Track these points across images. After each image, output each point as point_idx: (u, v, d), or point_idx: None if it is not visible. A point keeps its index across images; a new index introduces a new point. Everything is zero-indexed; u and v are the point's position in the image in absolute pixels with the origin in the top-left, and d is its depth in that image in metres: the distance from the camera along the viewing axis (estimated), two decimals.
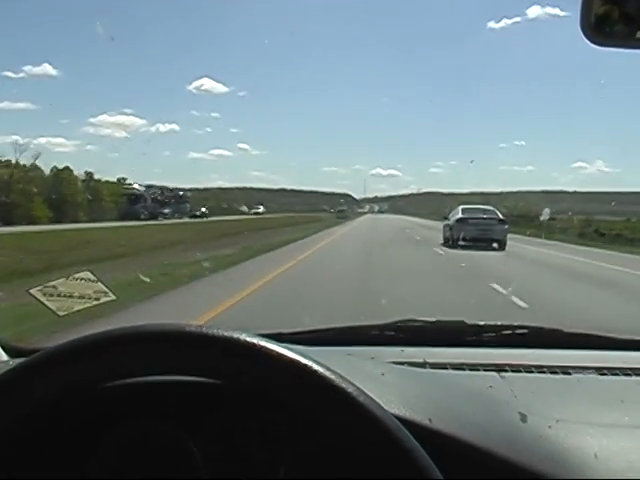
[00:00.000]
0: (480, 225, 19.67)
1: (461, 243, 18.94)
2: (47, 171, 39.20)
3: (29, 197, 32.79)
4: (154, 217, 37.86)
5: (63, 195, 36.62)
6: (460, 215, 20.57)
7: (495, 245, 18.86)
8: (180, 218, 40.68)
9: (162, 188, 45.75)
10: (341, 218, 58.47)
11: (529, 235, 24.27)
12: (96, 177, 44.12)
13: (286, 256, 15.22)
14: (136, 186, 42.40)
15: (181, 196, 48.42)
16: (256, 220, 41.03)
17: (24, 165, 35.10)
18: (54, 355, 0.80)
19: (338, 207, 70.76)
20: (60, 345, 0.80)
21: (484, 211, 21.36)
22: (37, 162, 36.41)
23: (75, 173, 41.17)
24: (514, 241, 21.02)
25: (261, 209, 58.56)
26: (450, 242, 20.09)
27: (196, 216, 42.00)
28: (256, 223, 34.93)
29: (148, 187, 42.97)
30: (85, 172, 43.11)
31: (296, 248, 18.53)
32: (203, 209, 45.59)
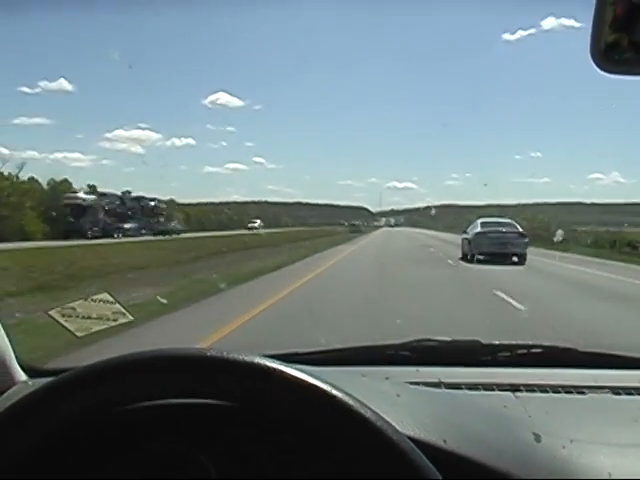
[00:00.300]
0: (500, 239, 18.99)
1: (480, 257, 18.51)
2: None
3: (21, 211, 29.06)
4: (108, 234, 30.27)
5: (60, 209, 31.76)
6: (479, 229, 19.93)
7: (515, 259, 18.57)
8: (151, 235, 32.69)
9: (124, 197, 37.09)
10: (355, 232, 55.57)
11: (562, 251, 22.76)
12: (101, 190, 38.42)
13: (246, 301, 9.67)
14: (81, 194, 33.69)
15: (153, 208, 38.93)
16: (247, 237, 33.71)
17: (16, 177, 31.58)
18: (77, 378, 0.82)
19: (352, 221, 68.89)
20: (82, 368, 0.82)
21: (503, 224, 20.80)
22: (35, 175, 33.30)
23: (75, 186, 36.27)
24: (548, 258, 20.52)
25: (257, 223, 52.25)
26: (469, 257, 19.42)
27: (163, 233, 33.42)
28: (244, 241, 28.78)
29: (102, 195, 34.59)
30: (88, 185, 37.53)
31: (277, 280, 13.24)
32: (174, 223, 37.89)
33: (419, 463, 0.75)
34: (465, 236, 21.21)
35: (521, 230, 20.34)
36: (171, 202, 45.02)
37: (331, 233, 48.52)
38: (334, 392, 0.77)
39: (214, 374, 0.80)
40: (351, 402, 0.77)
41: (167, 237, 32.08)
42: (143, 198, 39.27)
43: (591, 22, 0.84)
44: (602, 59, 0.86)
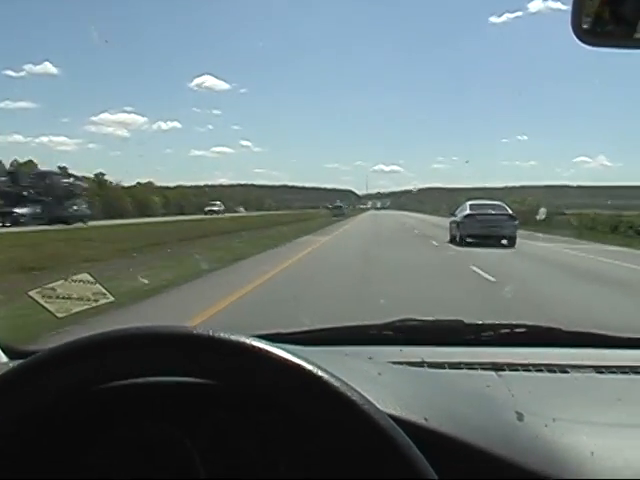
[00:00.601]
0: (489, 221, 18.71)
1: (469, 240, 18.35)
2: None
3: None
4: None
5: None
6: (468, 211, 19.58)
7: (504, 242, 18.31)
8: (52, 223, 24.66)
9: (17, 172, 28.87)
10: (338, 216, 50.18)
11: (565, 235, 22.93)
12: (74, 172, 34.92)
13: None
14: None
15: (66, 187, 30.00)
16: (194, 224, 27.68)
17: None
18: (52, 357, 0.81)
19: (335, 203, 62.12)
20: (57, 347, 0.81)
21: (493, 206, 20.45)
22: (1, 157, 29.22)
23: (42, 168, 31.67)
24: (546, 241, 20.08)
25: (217, 207, 46.29)
26: (458, 240, 19.20)
27: (62, 220, 26.03)
28: (184, 229, 23.19)
29: None
30: (59, 167, 34.97)
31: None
32: (75, 207, 29.25)
33: (398, 440, 0.75)
34: (454, 219, 20.83)
35: (511, 212, 20.05)
36: (149, 184, 44.11)
37: (312, 217, 44.70)
38: (319, 372, 0.77)
39: (198, 352, 0.79)
40: (336, 383, 0.77)
41: (68, 226, 25.07)
42: (52, 174, 30.42)
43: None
44: (584, 33, 0.86)
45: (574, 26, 0.85)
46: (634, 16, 0.83)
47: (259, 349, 0.77)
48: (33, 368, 0.80)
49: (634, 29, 0.84)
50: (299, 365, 0.77)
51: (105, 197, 38.60)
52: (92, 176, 38.62)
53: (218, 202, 48.16)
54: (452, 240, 19.94)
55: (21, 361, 0.84)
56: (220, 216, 41.09)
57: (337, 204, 60.91)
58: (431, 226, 31.36)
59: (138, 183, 42.13)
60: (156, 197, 43.79)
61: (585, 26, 0.85)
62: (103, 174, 41.90)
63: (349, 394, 0.76)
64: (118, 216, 33.31)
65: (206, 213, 43.01)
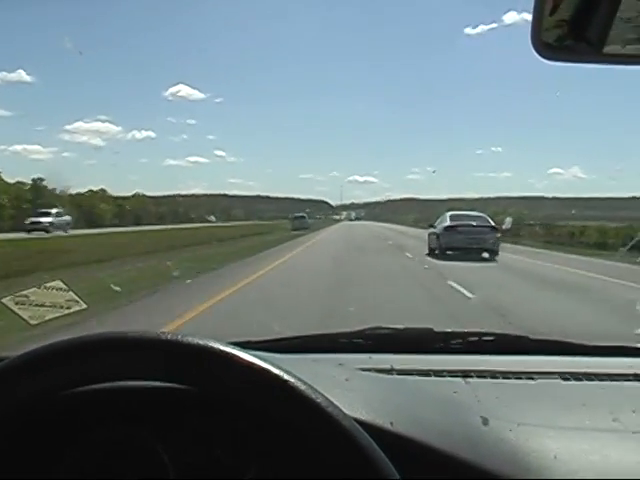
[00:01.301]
0: (470, 233, 17.66)
1: (449, 253, 17.30)
2: None
3: None
4: None
5: None
6: (448, 222, 18.44)
7: (486, 255, 16.97)
8: None
9: None
10: (299, 229, 36.61)
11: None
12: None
13: None
14: None
15: None
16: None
17: None
18: (20, 364, 0.81)
19: (295, 213, 46.71)
20: (26, 353, 0.82)
21: (474, 217, 19.33)
22: None
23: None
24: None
25: (51, 217, 30.28)
26: (437, 252, 18.00)
27: None
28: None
29: None
30: (33, 179, 33.04)
31: None
32: None
33: (361, 441, 0.76)
34: (433, 230, 19.60)
35: (492, 224, 18.99)
36: (102, 192, 40.93)
37: (268, 230, 34.64)
38: (286, 376, 0.78)
39: (167, 356, 0.79)
40: (302, 386, 0.78)
41: None
42: None
43: (532, 9, 0.85)
44: (543, 46, 0.87)
45: (533, 40, 0.86)
46: (594, 32, 0.85)
47: (227, 353, 0.78)
48: (6, 373, 0.81)
49: (595, 45, 0.86)
50: (266, 369, 0.78)
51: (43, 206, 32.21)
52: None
53: (55, 210, 31.03)
54: (430, 252, 18.78)
55: None
56: (66, 234, 27.93)
57: (298, 214, 45.88)
58: (407, 237, 29.68)
59: (90, 190, 39.17)
60: (106, 206, 40.23)
61: (545, 40, 0.86)
62: (42, 179, 37.08)
63: (314, 397, 0.77)
64: None
65: (29, 231, 27.68)
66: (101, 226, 34.40)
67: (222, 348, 0.78)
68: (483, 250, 16.95)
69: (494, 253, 17.32)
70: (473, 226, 18.15)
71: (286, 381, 0.77)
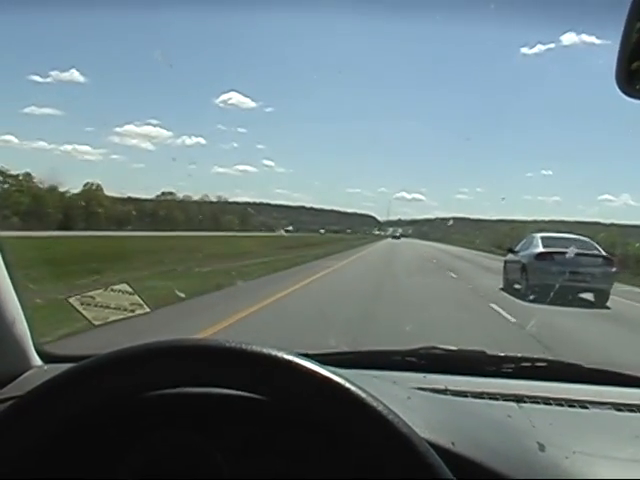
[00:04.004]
0: (574, 265, 11.76)
1: (532, 296, 10.98)
2: None
3: None
4: None
5: None
6: (541, 248, 12.74)
7: (591, 298, 12.04)
8: None
9: None
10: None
11: None
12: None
13: None
14: None
15: None
16: None
17: None
18: (100, 364, 0.83)
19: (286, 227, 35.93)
20: (106, 355, 0.83)
21: (577, 242, 12.91)
22: None
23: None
24: None
25: None
26: (523, 289, 12.29)
27: None
28: None
29: None
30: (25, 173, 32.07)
31: None
32: None
33: (433, 462, 0.76)
34: (513, 258, 13.86)
35: (604, 253, 13.12)
36: (170, 194, 37.92)
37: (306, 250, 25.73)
38: (355, 389, 0.78)
39: (252, 367, 0.79)
40: (370, 399, 0.78)
41: None
42: None
43: (618, 46, 0.84)
44: (625, 84, 0.85)
45: (617, 77, 0.84)
46: None
47: (295, 363, 0.79)
48: (91, 371, 0.82)
49: None
50: (335, 381, 0.78)
51: (33, 204, 32.02)
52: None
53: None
54: (507, 288, 13.27)
55: (56, 366, 0.83)
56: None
57: (287, 228, 34.58)
58: (467, 263, 23.71)
59: (163, 193, 36.56)
60: (101, 207, 36.79)
61: (626, 78, 0.84)
62: (30, 175, 33.68)
63: (387, 413, 0.77)
64: (44, 228, 26.92)
65: None
66: (198, 230, 35.03)
67: (288, 357, 0.79)
68: (591, 290, 12.05)
69: (604, 296, 12.02)
70: (579, 255, 12.05)
71: (364, 399, 0.77)
